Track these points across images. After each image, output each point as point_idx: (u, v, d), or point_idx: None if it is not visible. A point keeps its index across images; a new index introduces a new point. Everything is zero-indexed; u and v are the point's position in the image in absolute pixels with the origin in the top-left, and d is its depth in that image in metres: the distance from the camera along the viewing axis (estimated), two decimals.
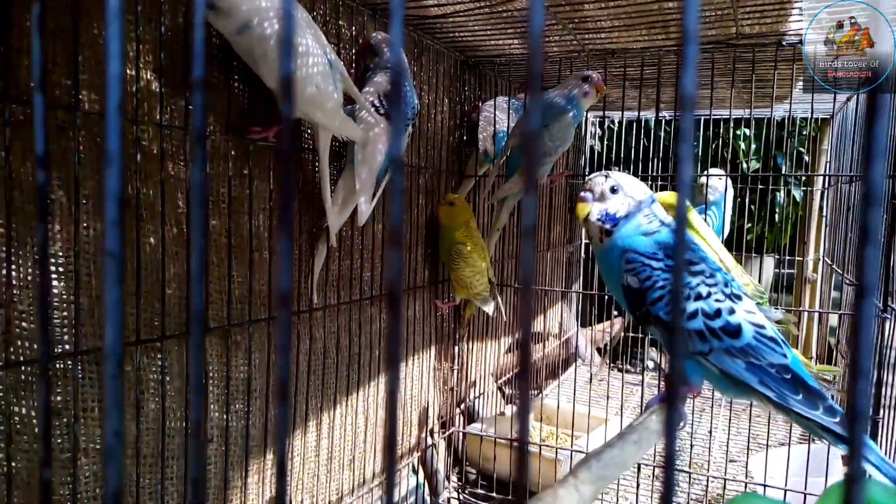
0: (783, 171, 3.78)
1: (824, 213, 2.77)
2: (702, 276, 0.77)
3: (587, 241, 3.01)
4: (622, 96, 2.05)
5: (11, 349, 0.78)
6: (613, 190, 0.83)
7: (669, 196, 1.37)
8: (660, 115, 2.59)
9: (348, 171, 1.27)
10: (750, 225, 3.73)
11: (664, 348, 0.81)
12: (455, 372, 1.88)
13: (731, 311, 0.76)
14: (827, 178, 2.68)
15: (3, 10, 0.75)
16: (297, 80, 1.01)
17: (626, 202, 0.82)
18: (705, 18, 1.36)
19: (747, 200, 3.48)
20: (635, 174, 2.99)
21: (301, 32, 0.99)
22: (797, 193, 3.89)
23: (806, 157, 3.66)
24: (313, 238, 1.25)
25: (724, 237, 1.78)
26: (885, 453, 1.41)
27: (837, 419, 0.72)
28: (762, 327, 0.76)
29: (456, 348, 1.86)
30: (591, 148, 3.06)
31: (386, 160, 1.28)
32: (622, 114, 2.55)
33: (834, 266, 2.23)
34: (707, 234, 1.29)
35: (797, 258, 3.10)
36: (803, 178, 3.43)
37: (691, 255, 0.79)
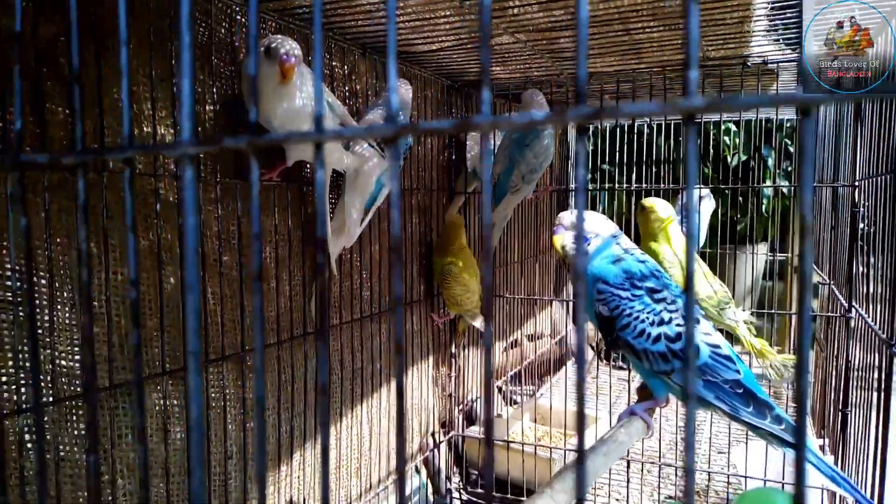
0: (769, 164, 3.89)
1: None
2: (664, 303, 0.88)
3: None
4: (600, 100, 2.15)
5: (55, 387, 0.87)
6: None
7: (650, 202, 1.47)
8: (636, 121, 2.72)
9: (341, 202, 1.37)
10: (739, 216, 3.84)
11: (633, 368, 0.91)
12: (452, 378, 1.98)
13: None
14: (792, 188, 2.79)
15: (39, 86, 0.84)
16: (303, 120, 1.11)
17: (593, 231, 0.92)
18: (672, 45, 1.46)
19: (733, 193, 3.57)
20: (621, 182, 3.09)
21: (307, 83, 1.09)
22: (784, 185, 4.01)
23: (791, 149, 3.77)
24: (315, 266, 1.35)
25: (701, 244, 1.88)
26: (854, 444, 1.52)
27: (783, 426, 0.82)
28: (717, 347, 0.86)
29: (452, 359, 1.96)
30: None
31: (376, 189, 1.38)
32: (600, 121, 2.66)
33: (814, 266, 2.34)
34: (680, 245, 1.39)
35: (786, 254, 3.21)
36: (774, 186, 3.53)
37: (655, 283, 0.89)
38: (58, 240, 0.88)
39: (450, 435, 1.98)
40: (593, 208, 3.38)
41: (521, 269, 2.43)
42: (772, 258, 3.60)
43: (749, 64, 1.60)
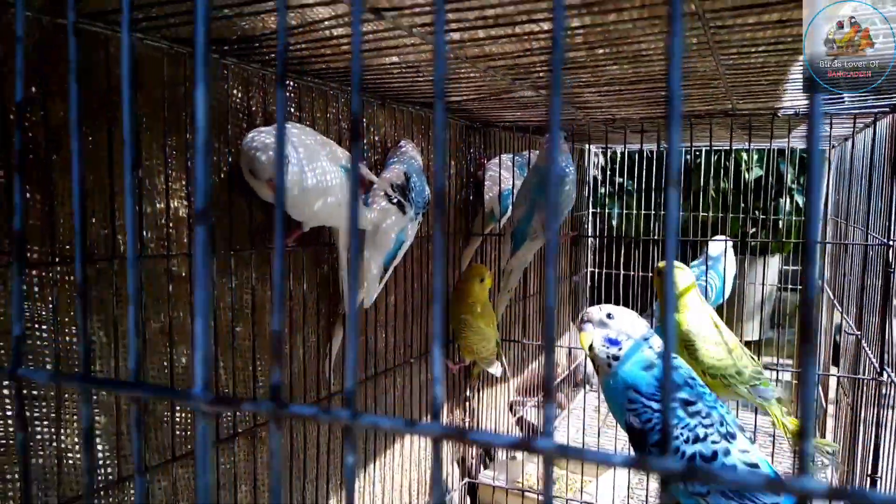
0: (786, 178, 3.83)
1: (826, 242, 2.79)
2: (699, 417, 0.83)
3: (591, 270, 3.07)
4: (624, 140, 2.10)
5: (60, 488, 0.84)
6: (609, 316, 0.89)
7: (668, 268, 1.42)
8: (661, 146, 2.64)
9: (359, 258, 1.33)
10: (755, 230, 3.79)
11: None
12: (466, 423, 1.94)
13: (727, 452, 0.81)
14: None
15: (48, 175, 0.81)
16: (316, 196, 1.07)
17: (623, 331, 0.88)
18: (702, 99, 1.41)
19: (751, 206, 3.51)
20: (639, 207, 3.04)
21: (316, 158, 1.05)
22: (799, 199, 3.98)
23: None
24: (330, 326, 1.32)
25: (726, 298, 1.83)
26: None
27: None
28: (756, 466, 0.81)
29: (466, 402, 1.92)
30: (595, 178, 3.10)
31: (396, 245, 1.34)
32: (625, 146, 2.62)
33: (835, 303, 2.27)
34: (697, 318, 1.32)
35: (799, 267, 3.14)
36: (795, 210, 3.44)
37: (689, 393, 0.85)
38: (65, 330, 0.85)
39: (464, 481, 1.94)
40: (608, 227, 3.33)
41: (537, 302, 2.38)
42: (786, 269, 3.58)
43: (780, 115, 1.55)
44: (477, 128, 1.87)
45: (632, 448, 0.87)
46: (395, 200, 1.32)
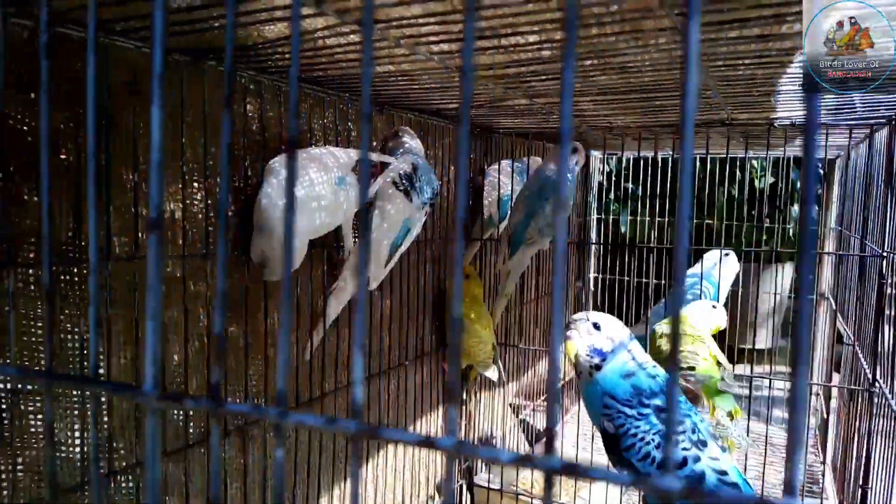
0: (797, 186, 3.83)
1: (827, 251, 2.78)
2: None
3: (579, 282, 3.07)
4: (621, 146, 2.11)
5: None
6: (596, 327, 0.90)
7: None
8: (659, 154, 2.61)
9: (355, 247, 1.34)
10: (767, 238, 3.79)
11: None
12: (462, 426, 1.96)
13: (697, 459, 0.83)
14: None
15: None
16: (306, 213, 1.10)
17: (608, 339, 0.90)
18: (697, 109, 1.43)
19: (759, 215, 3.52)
20: (644, 213, 3.04)
21: (302, 174, 1.08)
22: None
23: (822, 171, 3.69)
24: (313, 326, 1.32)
25: (722, 304, 1.85)
26: None
27: None
28: (725, 474, 0.83)
29: (463, 406, 1.94)
30: (599, 184, 3.11)
31: (402, 233, 1.35)
32: (622, 152, 2.62)
33: (837, 312, 2.27)
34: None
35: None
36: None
37: (664, 401, 0.86)
38: (28, 343, 0.88)
39: (456, 485, 1.95)
40: (619, 233, 3.34)
41: (536, 308, 2.40)
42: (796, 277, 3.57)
43: (776, 125, 1.56)
44: (477, 133, 1.89)
45: (605, 451, 0.89)
46: (401, 188, 1.33)
